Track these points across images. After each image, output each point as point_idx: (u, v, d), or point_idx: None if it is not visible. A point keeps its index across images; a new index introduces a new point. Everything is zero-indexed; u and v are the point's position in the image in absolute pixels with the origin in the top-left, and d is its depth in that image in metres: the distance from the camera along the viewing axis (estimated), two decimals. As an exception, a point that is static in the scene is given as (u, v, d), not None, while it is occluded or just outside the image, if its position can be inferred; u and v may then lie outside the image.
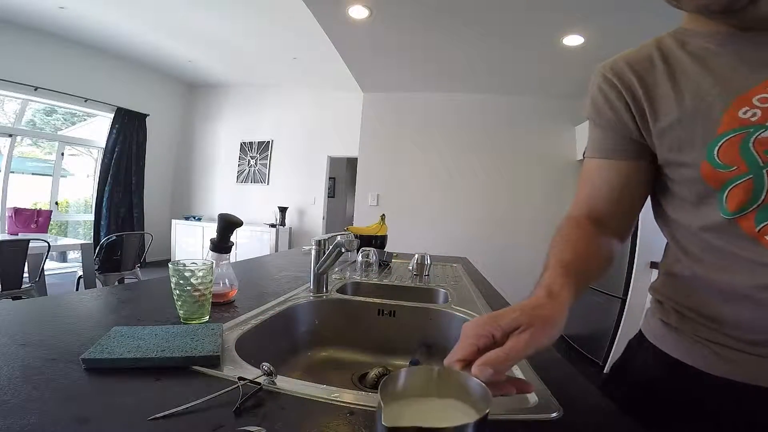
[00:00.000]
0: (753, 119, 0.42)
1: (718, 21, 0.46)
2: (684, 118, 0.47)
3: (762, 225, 0.42)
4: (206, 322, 0.65)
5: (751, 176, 0.42)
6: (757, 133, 0.41)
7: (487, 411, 0.27)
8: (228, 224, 0.79)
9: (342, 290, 1.04)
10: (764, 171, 0.41)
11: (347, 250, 0.85)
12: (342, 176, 6.94)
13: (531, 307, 0.36)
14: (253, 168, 5.50)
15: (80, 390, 0.40)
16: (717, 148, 0.44)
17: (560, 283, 0.40)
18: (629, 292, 2.45)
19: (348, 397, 0.43)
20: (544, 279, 0.41)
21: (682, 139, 0.48)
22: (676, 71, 0.49)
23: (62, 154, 4.48)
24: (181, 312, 0.64)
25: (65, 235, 4.70)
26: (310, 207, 5.25)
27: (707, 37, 0.48)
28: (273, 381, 0.44)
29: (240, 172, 5.56)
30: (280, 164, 5.39)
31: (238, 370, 0.47)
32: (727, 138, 0.43)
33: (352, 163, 5.49)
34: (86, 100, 4.41)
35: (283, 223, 5.08)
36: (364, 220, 3.67)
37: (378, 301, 0.91)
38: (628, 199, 0.55)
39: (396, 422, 0.28)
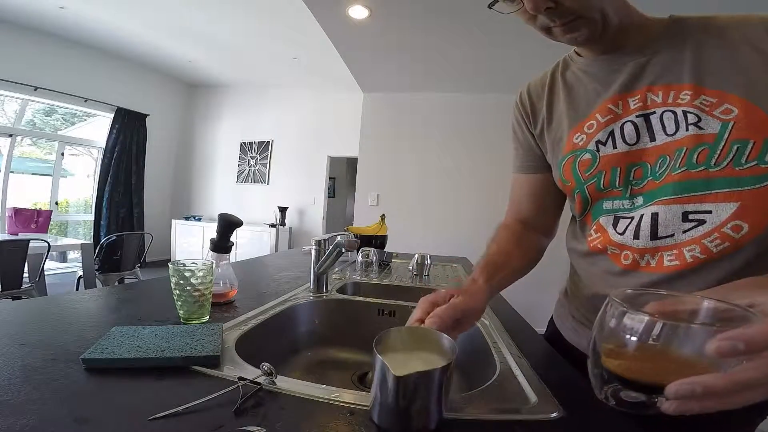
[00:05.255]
0: (580, 143, 0.55)
1: (588, 48, 0.55)
2: (553, 140, 0.60)
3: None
4: (206, 322, 0.65)
5: (578, 191, 0.57)
6: (580, 156, 0.55)
7: (455, 356, 0.37)
8: (228, 224, 0.79)
9: (342, 290, 1.04)
10: (585, 186, 0.55)
11: (347, 250, 0.85)
12: (342, 176, 6.94)
13: (462, 288, 0.51)
14: (253, 168, 5.50)
15: (80, 390, 0.40)
16: (561, 166, 0.58)
17: (479, 273, 0.55)
18: (629, 292, 2.44)
19: (348, 397, 0.43)
20: (473, 271, 0.57)
21: (551, 158, 0.62)
22: (553, 99, 0.61)
23: (62, 154, 4.48)
24: (181, 312, 0.64)
25: (65, 235, 4.70)
26: (310, 207, 5.25)
27: (580, 63, 0.58)
28: (273, 381, 0.44)
29: (240, 172, 5.56)
30: (280, 164, 5.39)
31: (238, 370, 0.47)
32: (566, 159, 0.57)
33: (352, 163, 5.49)
34: (86, 100, 4.41)
35: (283, 223, 5.08)
36: (364, 220, 3.67)
37: (378, 301, 0.91)
38: (548, 203, 0.68)
39: (398, 371, 0.34)
